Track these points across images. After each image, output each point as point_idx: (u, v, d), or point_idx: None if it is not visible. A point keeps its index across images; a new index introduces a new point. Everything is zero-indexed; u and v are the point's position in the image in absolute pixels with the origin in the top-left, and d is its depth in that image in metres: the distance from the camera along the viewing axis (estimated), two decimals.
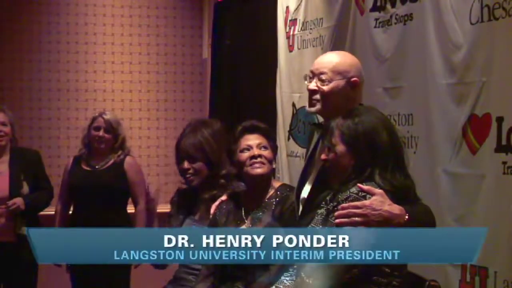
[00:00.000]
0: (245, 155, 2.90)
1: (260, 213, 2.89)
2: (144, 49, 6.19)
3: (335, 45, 3.92)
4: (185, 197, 3.30)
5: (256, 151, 2.90)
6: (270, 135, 2.99)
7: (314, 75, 2.52)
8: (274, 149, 2.99)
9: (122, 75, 6.15)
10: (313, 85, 2.52)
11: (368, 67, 3.49)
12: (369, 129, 2.26)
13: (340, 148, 2.29)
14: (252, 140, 2.93)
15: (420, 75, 3.17)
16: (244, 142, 2.93)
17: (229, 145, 3.09)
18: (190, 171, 3.17)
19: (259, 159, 2.89)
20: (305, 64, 4.20)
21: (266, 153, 2.91)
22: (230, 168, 3.09)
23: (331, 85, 2.49)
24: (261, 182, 2.92)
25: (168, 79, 6.25)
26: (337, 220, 2.14)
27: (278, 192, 2.91)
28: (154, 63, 6.21)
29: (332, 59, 2.53)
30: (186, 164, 3.17)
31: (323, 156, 2.36)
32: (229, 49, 5.43)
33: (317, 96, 2.52)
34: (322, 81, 2.49)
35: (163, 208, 3.63)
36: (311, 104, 2.56)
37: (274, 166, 2.99)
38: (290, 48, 4.56)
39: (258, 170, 2.89)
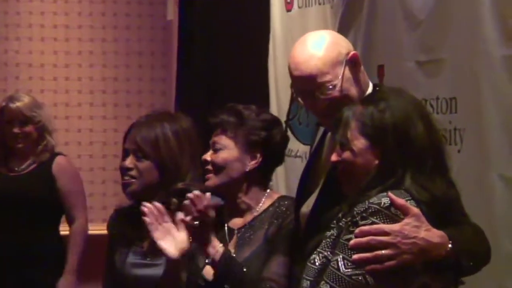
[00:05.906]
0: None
1: (249, 234, 2.88)
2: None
3: (349, 3, 3.92)
4: (126, 220, 3.27)
5: (207, 155, 2.95)
6: (240, 124, 2.93)
7: (298, 92, 2.64)
8: (245, 144, 2.91)
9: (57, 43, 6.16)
10: (301, 103, 2.65)
11: (395, 33, 3.50)
12: (400, 118, 2.26)
13: (360, 144, 2.28)
14: (212, 137, 2.96)
15: (467, 44, 3.18)
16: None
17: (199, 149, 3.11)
18: (132, 171, 3.15)
19: (206, 167, 2.94)
20: (309, 28, 4.19)
21: (216, 156, 2.91)
22: (188, 181, 3.08)
23: (320, 101, 2.55)
24: (224, 194, 2.92)
25: (119, 49, 6.25)
26: (355, 256, 2.12)
27: (275, 207, 2.91)
28: (99, 27, 6.20)
29: (310, 70, 2.55)
30: (129, 161, 3.15)
31: (334, 157, 2.35)
32: (203, 8, 5.43)
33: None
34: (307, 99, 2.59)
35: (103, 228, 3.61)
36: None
37: (247, 169, 2.90)
38: (288, 6, 4.56)
39: (207, 182, 2.93)
